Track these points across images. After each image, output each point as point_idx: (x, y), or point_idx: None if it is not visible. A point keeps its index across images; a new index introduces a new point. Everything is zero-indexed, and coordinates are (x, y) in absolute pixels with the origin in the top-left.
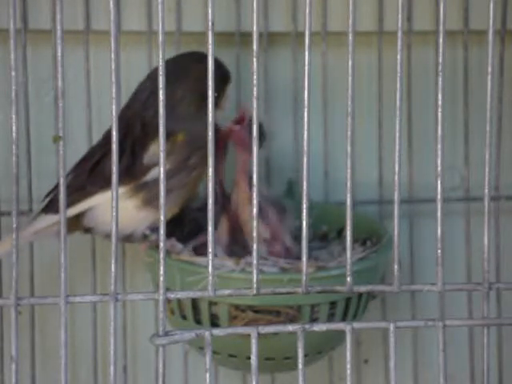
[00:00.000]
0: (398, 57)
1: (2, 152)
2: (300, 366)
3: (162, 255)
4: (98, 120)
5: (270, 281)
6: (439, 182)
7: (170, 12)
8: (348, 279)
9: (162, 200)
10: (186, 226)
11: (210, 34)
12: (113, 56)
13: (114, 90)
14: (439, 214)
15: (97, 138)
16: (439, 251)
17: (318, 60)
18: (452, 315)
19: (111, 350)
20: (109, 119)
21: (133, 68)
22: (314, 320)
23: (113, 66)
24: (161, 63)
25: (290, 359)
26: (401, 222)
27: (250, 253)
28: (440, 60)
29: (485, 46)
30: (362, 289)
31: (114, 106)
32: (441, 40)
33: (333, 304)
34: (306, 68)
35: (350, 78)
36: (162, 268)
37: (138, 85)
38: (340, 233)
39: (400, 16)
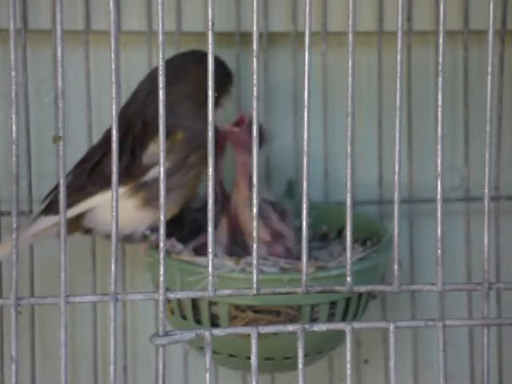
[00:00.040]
0: (398, 57)
1: (2, 152)
2: (300, 366)
3: (162, 255)
4: (98, 120)
5: (270, 281)
6: (439, 182)
7: (169, 12)
8: (348, 279)
9: (161, 200)
10: (185, 226)
11: (209, 33)
12: (113, 56)
13: (113, 90)
14: (439, 214)
15: (97, 137)
16: (439, 251)
17: (317, 60)
18: (452, 315)
19: (111, 350)
20: (109, 119)
21: (133, 68)
22: (314, 320)
23: (113, 66)
24: (161, 63)
25: (290, 359)
26: (401, 221)
27: (249, 253)
28: (440, 60)
29: (485, 46)
30: (362, 289)
31: (113, 106)
32: (441, 40)
33: (333, 304)
34: (306, 68)
35: (349, 78)
36: (162, 268)
37: (138, 84)
38: (340, 233)
39: (400, 16)
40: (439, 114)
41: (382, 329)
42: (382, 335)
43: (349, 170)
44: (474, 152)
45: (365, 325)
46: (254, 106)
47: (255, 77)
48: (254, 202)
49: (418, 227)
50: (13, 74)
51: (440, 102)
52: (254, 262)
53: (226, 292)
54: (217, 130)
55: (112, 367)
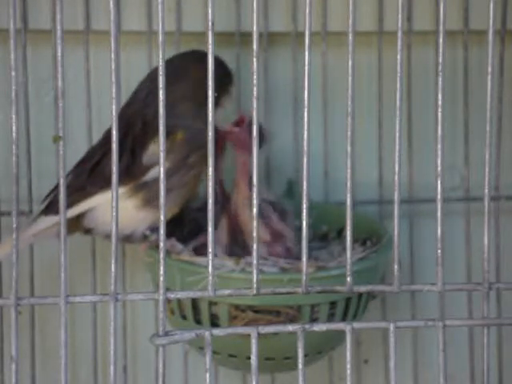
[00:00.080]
0: (398, 57)
1: (2, 152)
2: (300, 366)
3: (162, 255)
4: (98, 120)
5: (270, 281)
6: (439, 182)
7: (169, 12)
8: (348, 279)
9: (161, 200)
10: (186, 226)
11: (209, 33)
12: (113, 56)
13: (113, 90)
14: (439, 214)
15: (97, 138)
16: (439, 251)
17: (317, 60)
18: (452, 315)
19: (111, 350)
20: (109, 119)
21: (133, 68)
22: (314, 320)
23: (113, 66)
24: (161, 63)
25: (290, 359)
26: (401, 221)
27: (249, 253)
28: (440, 60)
29: (485, 45)
30: (362, 289)
31: (113, 106)
32: (441, 40)
33: (333, 304)
34: (306, 68)
35: (350, 78)
36: (162, 268)
37: (138, 84)
38: (340, 233)
39: (400, 16)
40: (439, 114)
41: (382, 329)
42: (382, 335)
43: (349, 170)
44: (474, 152)
45: (365, 325)
46: (254, 105)
47: (255, 77)
48: (254, 201)
49: (418, 227)
50: (13, 74)
51: (440, 102)
52: (254, 262)
53: (226, 292)
54: (217, 130)
55: (112, 367)
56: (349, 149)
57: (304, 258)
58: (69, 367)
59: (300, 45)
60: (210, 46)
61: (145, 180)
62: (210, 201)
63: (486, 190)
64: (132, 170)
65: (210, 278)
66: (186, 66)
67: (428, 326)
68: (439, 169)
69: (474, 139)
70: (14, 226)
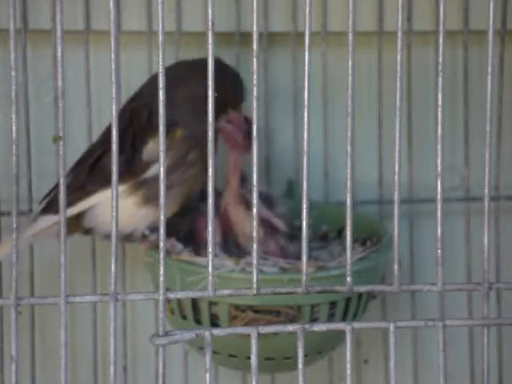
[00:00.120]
0: (398, 57)
1: (2, 152)
2: (300, 366)
3: (162, 255)
4: (98, 120)
5: (270, 281)
6: (439, 182)
7: (169, 12)
8: (348, 279)
9: (161, 200)
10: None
11: (210, 33)
12: (113, 56)
13: (113, 90)
14: (439, 213)
15: (97, 138)
16: (439, 251)
17: (317, 60)
18: (452, 315)
19: (111, 350)
20: (109, 119)
21: (133, 68)
22: (314, 320)
23: (113, 66)
24: (161, 63)
25: (290, 359)
26: (401, 221)
27: (241, 252)
28: (440, 60)
29: (485, 46)
30: (362, 289)
31: (113, 106)
32: (441, 40)
33: (333, 304)
34: (306, 68)
35: (350, 78)
36: (162, 268)
37: (148, 79)
38: (340, 233)
39: (400, 16)
40: (439, 114)
41: (382, 329)
42: (382, 335)
43: (349, 170)
44: (474, 152)
45: (365, 325)
46: (254, 105)
47: (255, 77)
48: (254, 202)
49: (418, 227)
50: (13, 74)
51: (440, 102)
52: (254, 261)
53: (226, 292)
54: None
55: (112, 367)
56: (349, 149)
57: (304, 258)
58: (69, 367)
59: (300, 45)
60: (210, 46)
61: (145, 177)
62: (210, 201)
63: (486, 190)
64: (132, 167)
65: (210, 278)
66: (200, 71)
67: (428, 326)
68: (439, 169)
69: (474, 139)
70: (14, 225)
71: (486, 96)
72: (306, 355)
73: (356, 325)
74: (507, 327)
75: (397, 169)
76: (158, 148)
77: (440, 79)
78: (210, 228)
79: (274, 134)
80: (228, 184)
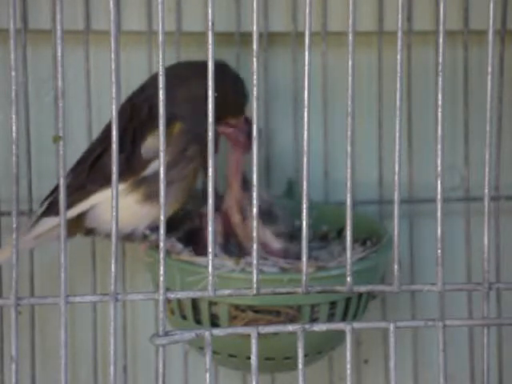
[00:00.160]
0: (398, 57)
1: (2, 152)
2: (300, 366)
3: (162, 255)
4: (98, 120)
5: (270, 281)
6: (439, 182)
7: (169, 12)
8: (348, 279)
9: (161, 200)
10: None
11: (210, 33)
12: (113, 56)
13: (113, 90)
14: (439, 213)
15: (97, 136)
16: (439, 251)
17: (317, 60)
18: (452, 315)
19: (111, 350)
20: (109, 119)
21: (133, 68)
22: (314, 320)
23: (113, 66)
24: (161, 63)
25: (290, 359)
26: (401, 221)
27: (243, 254)
28: (440, 60)
29: (485, 46)
30: (362, 289)
31: (113, 106)
32: (441, 40)
33: (333, 304)
34: (306, 68)
35: (350, 78)
36: (162, 268)
37: (149, 77)
38: (340, 233)
39: (400, 16)
40: (439, 114)
41: (382, 329)
42: (382, 335)
43: (349, 170)
44: (474, 152)
45: (365, 325)
46: (254, 105)
47: (255, 77)
48: (254, 202)
49: (418, 227)
50: (13, 74)
51: (440, 102)
52: (254, 261)
53: (226, 292)
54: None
55: (112, 367)
56: (349, 149)
57: (304, 258)
58: (69, 367)
59: (300, 45)
60: (210, 46)
61: (144, 175)
62: (210, 201)
63: (486, 190)
64: (132, 165)
65: (210, 278)
66: (201, 72)
67: (428, 326)
68: (439, 169)
69: (473, 139)
70: (14, 225)
71: (485, 96)
72: (306, 355)
73: (356, 325)
74: (507, 327)
75: (397, 169)
76: (156, 144)
77: (440, 79)
78: (209, 228)
79: (274, 134)
80: (229, 186)
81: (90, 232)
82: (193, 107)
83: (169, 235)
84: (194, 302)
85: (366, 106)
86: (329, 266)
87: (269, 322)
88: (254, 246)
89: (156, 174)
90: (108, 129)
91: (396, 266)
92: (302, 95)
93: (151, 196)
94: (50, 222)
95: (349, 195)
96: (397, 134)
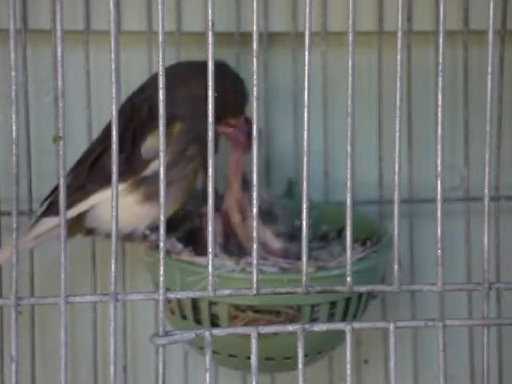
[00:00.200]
0: (398, 57)
1: (2, 152)
2: (300, 366)
3: (162, 255)
4: (98, 120)
5: (270, 281)
6: (439, 182)
7: (169, 12)
8: (348, 279)
9: (161, 199)
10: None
11: (210, 33)
12: (113, 56)
13: (113, 90)
14: (439, 213)
15: (97, 135)
16: (439, 251)
17: (317, 60)
18: (452, 315)
19: (111, 350)
20: (109, 119)
21: (133, 68)
22: (313, 320)
23: (113, 66)
24: (161, 63)
25: (290, 359)
26: (401, 222)
27: (243, 255)
28: (440, 60)
29: (485, 46)
30: (362, 289)
31: (113, 106)
32: (441, 40)
33: (333, 304)
34: (306, 68)
35: (350, 78)
36: (161, 268)
37: (149, 77)
38: (340, 233)
39: (400, 16)
40: (439, 114)
41: (382, 329)
42: (382, 335)
43: (349, 170)
44: (474, 152)
45: (365, 325)
46: (254, 105)
47: (255, 77)
48: (254, 202)
49: (418, 227)
50: (13, 74)
51: (440, 102)
52: (254, 261)
53: (226, 292)
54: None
55: (112, 367)
56: (349, 149)
57: (304, 258)
58: (69, 367)
59: (300, 45)
60: (210, 46)
61: (144, 175)
62: (210, 201)
63: (486, 190)
64: (132, 165)
65: (210, 278)
66: (201, 72)
67: (428, 326)
68: (439, 169)
69: (473, 139)
70: (14, 225)
71: (485, 96)
72: (306, 355)
73: (356, 325)
74: (507, 327)
75: (397, 169)
76: (156, 144)
77: (440, 79)
78: (209, 228)
79: (274, 134)
80: (229, 186)
81: (90, 232)
82: (193, 107)
83: (169, 235)
84: (194, 302)
85: (366, 106)
86: (329, 265)
87: (269, 321)
88: (254, 246)
89: (156, 173)
90: (108, 129)
91: (396, 266)
92: (302, 95)
93: (151, 196)
94: (50, 222)
95: (349, 195)
96: (397, 134)
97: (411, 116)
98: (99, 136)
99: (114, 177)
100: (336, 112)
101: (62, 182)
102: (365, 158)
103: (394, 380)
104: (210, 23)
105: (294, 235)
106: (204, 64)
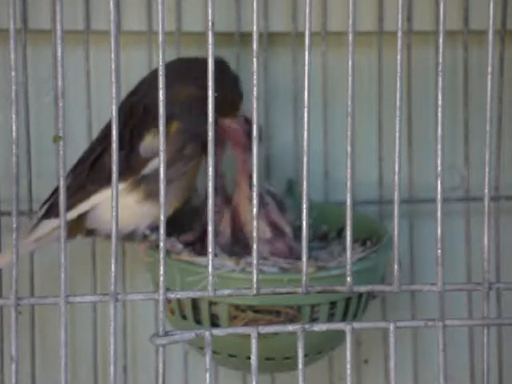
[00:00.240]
0: (398, 57)
1: (2, 152)
2: (300, 366)
3: (162, 255)
4: (98, 120)
5: (270, 281)
6: (439, 182)
7: (169, 12)
8: (348, 279)
9: (161, 199)
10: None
11: (210, 33)
12: (113, 56)
13: (113, 90)
14: (439, 213)
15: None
16: (439, 251)
17: (317, 60)
18: (452, 315)
19: (111, 350)
20: (108, 119)
21: (133, 68)
22: (313, 320)
23: (113, 66)
24: (161, 63)
25: (290, 359)
26: (401, 222)
27: (250, 253)
28: (440, 60)
29: (485, 46)
30: (362, 289)
31: (113, 106)
32: (441, 40)
33: (333, 304)
34: (306, 68)
35: (350, 78)
36: (161, 268)
37: (148, 74)
38: (340, 233)
39: (400, 16)
40: (439, 114)
41: (382, 329)
42: (382, 335)
43: (349, 170)
44: (474, 152)
45: (365, 325)
46: (254, 106)
47: (255, 77)
48: (254, 201)
49: (418, 227)
50: (13, 74)
51: (440, 102)
52: (254, 261)
53: (226, 292)
54: (217, 122)
55: (112, 367)
56: (349, 149)
57: (304, 258)
58: (69, 367)
59: (300, 45)
60: (210, 46)
61: (144, 173)
62: (211, 201)
63: (486, 190)
64: (131, 164)
65: (210, 278)
66: (200, 70)
67: (428, 326)
68: (439, 169)
69: (473, 139)
70: (14, 225)
71: (486, 96)
72: (306, 355)
73: (356, 325)
74: (507, 327)
75: (397, 169)
76: (154, 143)
77: (440, 79)
78: (209, 228)
79: (274, 134)
80: (238, 186)
81: (90, 233)
82: (189, 106)
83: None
84: (194, 302)
85: (366, 106)
86: (329, 266)
87: (269, 321)
88: (254, 246)
89: (155, 172)
90: (108, 127)
91: (396, 266)
92: (302, 95)
93: (151, 195)
94: (50, 224)
95: (349, 195)
96: (397, 134)
97: (411, 116)
98: (99, 135)
99: (114, 176)
100: (336, 112)
101: (61, 182)
102: (365, 158)
103: (393, 380)
104: (210, 23)
105: (294, 235)
106: (200, 61)
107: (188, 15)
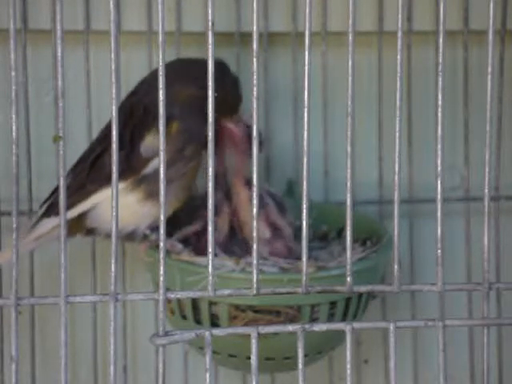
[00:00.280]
0: (398, 57)
1: (2, 152)
2: (300, 366)
3: (162, 255)
4: (98, 120)
5: (270, 281)
6: (439, 182)
7: (169, 12)
8: (348, 279)
9: (162, 198)
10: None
11: (210, 33)
12: (113, 56)
13: (113, 90)
14: (439, 213)
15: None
16: (439, 251)
17: (317, 60)
18: (452, 315)
19: (111, 350)
20: (108, 119)
21: (133, 68)
22: (313, 320)
23: (113, 66)
24: (161, 63)
25: (290, 359)
26: (401, 222)
27: (249, 252)
28: (440, 60)
29: (485, 46)
30: (362, 289)
31: (113, 106)
32: (441, 40)
33: (333, 304)
34: (306, 68)
35: (350, 78)
36: (162, 268)
37: (148, 74)
38: (340, 233)
39: (400, 16)
40: (439, 114)
41: (382, 329)
42: (382, 335)
43: (349, 170)
44: (474, 152)
45: (365, 325)
46: (254, 106)
47: (255, 77)
48: (254, 202)
49: (418, 227)
50: (13, 74)
51: (440, 102)
52: (254, 261)
53: (226, 292)
54: (218, 122)
55: (112, 367)
56: (349, 149)
57: (304, 258)
58: (69, 367)
59: (300, 45)
60: (210, 46)
61: (144, 173)
62: (211, 201)
63: (486, 190)
64: (131, 164)
65: (210, 278)
66: (200, 70)
67: (428, 326)
68: (439, 169)
69: (473, 139)
70: (14, 225)
71: (486, 96)
72: (306, 355)
73: (356, 325)
74: (507, 327)
75: (397, 169)
76: (155, 143)
77: (440, 79)
78: (209, 228)
79: (274, 134)
80: (234, 187)
81: (90, 232)
82: (189, 106)
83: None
84: (194, 302)
85: (365, 106)
86: (329, 266)
87: (269, 321)
88: (254, 246)
89: (155, 172)
90: (108, 128)
91: (396, 266)
92: (302, 95)
93: (152, 194)
94: (50, 222)
95: (349, 195)
96: (397, 134)
97: (411, 116)
98: (99, 135)
99: (114, 176)
100: (336, 112)
101: (61, 181)
102: (365, 158)
103: (393, 380)
104: (210, 23)
105: (294, 235)
106: (200, 62)
107: (188, 15)
